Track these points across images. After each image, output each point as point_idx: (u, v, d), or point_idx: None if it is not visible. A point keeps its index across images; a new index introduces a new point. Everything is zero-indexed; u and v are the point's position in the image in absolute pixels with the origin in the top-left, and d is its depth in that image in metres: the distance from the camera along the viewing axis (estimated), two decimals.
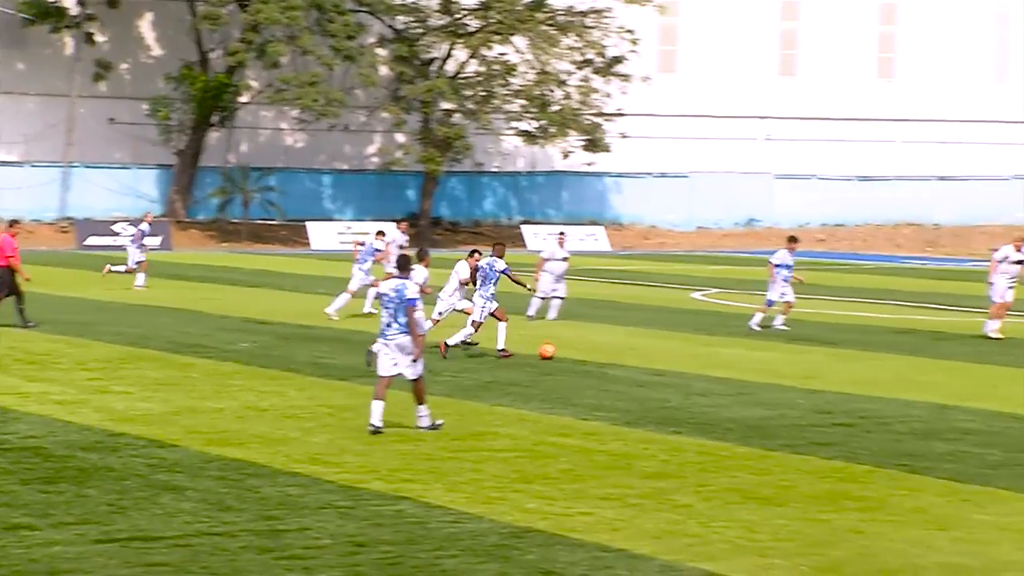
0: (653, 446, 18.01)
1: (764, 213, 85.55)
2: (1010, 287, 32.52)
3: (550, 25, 73.13)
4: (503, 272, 27.61)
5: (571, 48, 73.57)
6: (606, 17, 73.94)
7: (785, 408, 21.24)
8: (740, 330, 32.63)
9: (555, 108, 73.44)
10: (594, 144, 74.07)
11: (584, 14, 73.98)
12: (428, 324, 26.36)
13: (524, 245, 72.52)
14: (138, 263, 41.05)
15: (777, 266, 33.43)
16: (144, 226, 42.73)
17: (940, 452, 17.93)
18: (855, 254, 73.33)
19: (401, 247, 35.92)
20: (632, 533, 13.58)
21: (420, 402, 18.82)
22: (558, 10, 73.89)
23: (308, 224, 72.32)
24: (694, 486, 15.67)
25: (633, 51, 74.11)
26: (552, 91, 73.60)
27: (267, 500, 14.61)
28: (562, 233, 36.91)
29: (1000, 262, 32.61)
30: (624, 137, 74.70)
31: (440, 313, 28.06)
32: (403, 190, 77.88)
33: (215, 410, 20.16)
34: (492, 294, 27.48)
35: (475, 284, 27.61)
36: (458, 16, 73.68)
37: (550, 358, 26.44)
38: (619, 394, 22.40)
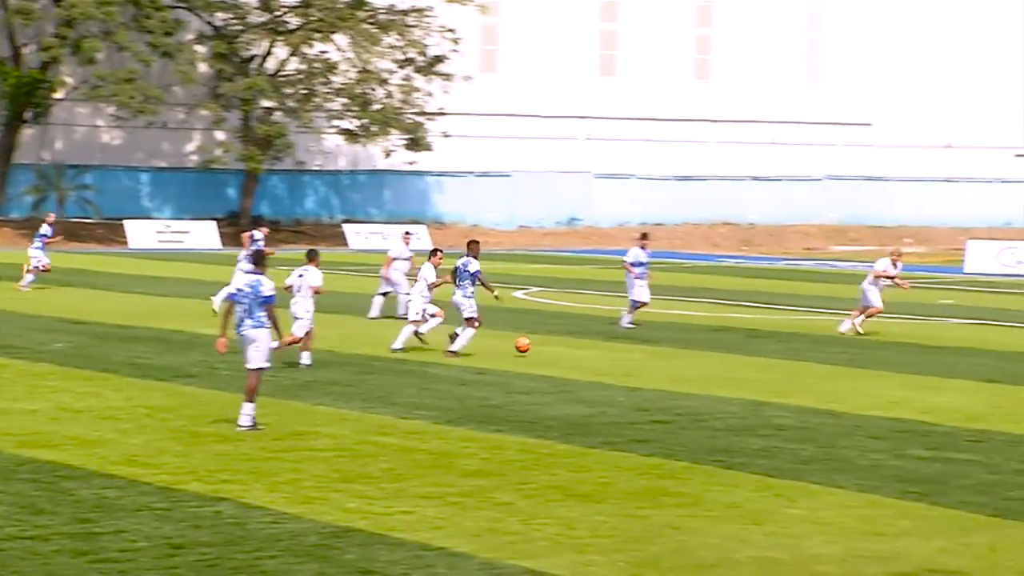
0: (474, 444, 18.07)
1: (584, 212, 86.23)
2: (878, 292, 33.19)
3: (371, 23, 72.94)
4: (474, 275, 27.52)
5: (392, 47, 73.47)
6: (427, 16, 73.96)
7: (605, 406, 21.44)
8: (561, 328, 32.87)
9: (377, 107, 73.28)
10: (416, 143, 74.06)
11: (405, 13, 73.91)
12: (408, 330, 27.59)
13: (346, 244, 72.26)
14: (39, 265, 40.62)
15: (632, 264, 33.87)
16: (44, 227, 42.22)
17: (755, 448, 18.24)
18: (673, 253, 74.17)
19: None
20: (452, 531, 13.62)
21: (249, 399, 18.67)
22: (379, 9, 73.72)
23: (126, 223, 71.18)
24: (515, 484, 15.75)
25: (455, 50, 74.23)
26: (374, 90, 73.43)
27: (82, 503, 14.38)
28: (407, 232, 37.01)
29: (879, 277, 33.12)
30: (446, 136, 74.78)
31: (418, 313, 28.01)
32: (223, 188, 77.11)
33: (27, 412, 19.79)
34: (472, 293, 27.45)
35: (455, 282, 27.56)
36: (278, 13, 73.17)
37: (526, 351, 26.86)
38: (441, 393, 22.44)
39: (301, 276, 25.44)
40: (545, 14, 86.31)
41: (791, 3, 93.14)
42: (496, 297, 28.73)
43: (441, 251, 29.14)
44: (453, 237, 79.59)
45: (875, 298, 32.92)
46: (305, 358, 25.19)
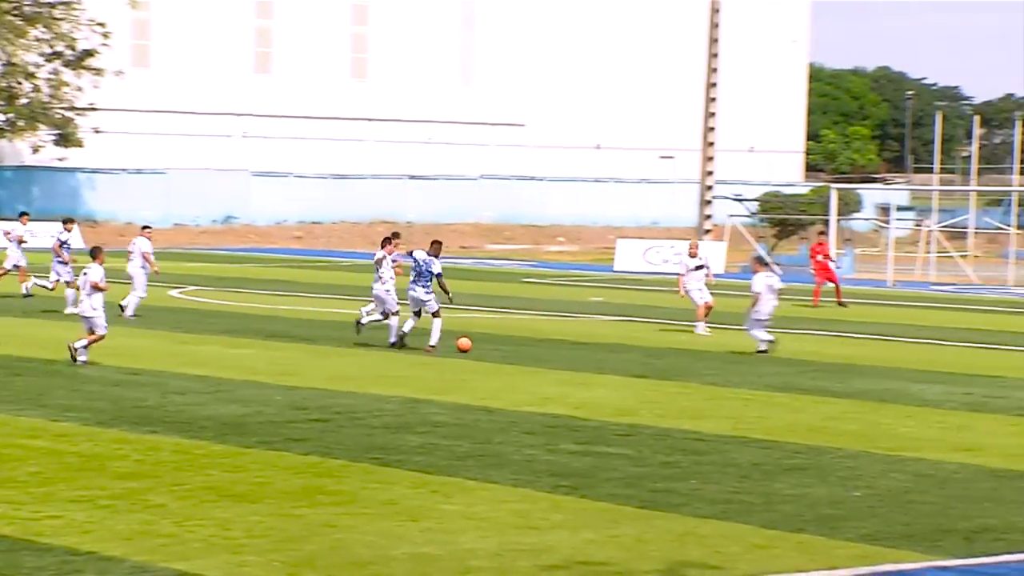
0: (127, 446, 17.73)
1: (241, 210, 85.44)
2: (699, 289, 34.08)
3: (16, 15, 70.79)
4: (437, 275, 28.87)
5: (39, 40, 71.46)
6: (76, 9, 72.19)
7: (261, 405, 21.29)
8: (218, 327, 32.50)
9: (24, 101, 71.19)
10: (66, 139, 72.23)
11: (52, 6, 72.00)
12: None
13: None
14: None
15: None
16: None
17: (411, 445, 18.36)
18: (331, 251, 74.16)
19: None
20: (103, 535, 13.33)
21: None
22: (24, 1, 71.61)
23: None
24: (168, 485, 15.51)
25: (105, 44, 72.63)
26: (20, 83, 71.30)
27: None
28: (146, 227, 37.33)
29: (690, 270, 34.19)
30: (98, 132, 73.13)
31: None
32: None
33: None
34: (431, 288, 28.96)
35: (412, 277, 29.09)
36: None
37: (467, 351, 27.37)
38: (93, 394, 21.93)
39: (85, 274, 25.33)
40: (199, 10, 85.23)
41: (445, 4, 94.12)
42: (450, 299, 29.70)
43: (398, 235, 30.94)
44: (107, 235, 77.89)
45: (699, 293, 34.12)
46: None
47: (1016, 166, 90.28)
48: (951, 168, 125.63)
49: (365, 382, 24.11)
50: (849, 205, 71.52)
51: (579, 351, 29.96)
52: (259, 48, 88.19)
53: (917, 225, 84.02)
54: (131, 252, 35.57)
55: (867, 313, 42.39)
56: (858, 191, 78.90)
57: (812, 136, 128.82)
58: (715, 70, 67.72)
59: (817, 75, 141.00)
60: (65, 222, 37.97)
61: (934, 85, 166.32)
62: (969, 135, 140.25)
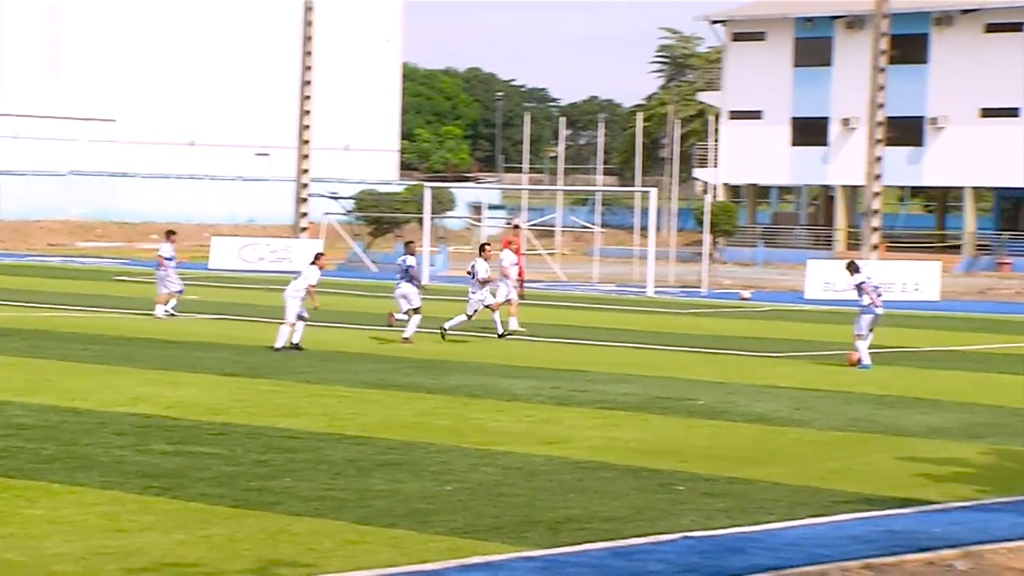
0: None
1: None
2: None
3: None
4: (408, 269, 32.29)
5: None
6: None
7: None
8: None
9: None
10: None
11: None
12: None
13: None
14: None
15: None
16: None
17: None
18: None
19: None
20: None
21: None
22: None
23: None
24: None
25: None
26: None
27: None
28: None
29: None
30: None
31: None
32: None
33: None
34: (418, 284, 32.49)
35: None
36: None
37: None
38: None
39: None
40: None
41: None
42: (420, 286, 32.96)
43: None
44: None
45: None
46: None
47: (600, 166, 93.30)
48: (540, 168, 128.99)
49: None
50: (443, 203, 72.61)
51: (171, 350, 29.53)
52: None
53: (507, 223, 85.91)
54: None
55: (460, 310, 43.09)
56: (451, 189, 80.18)
57: (406, 135, 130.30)
58: (309, 68, 67.73)
59: (411, 75, 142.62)
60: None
61: (523, 87, 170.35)
62: (556, 136, 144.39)
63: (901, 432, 21.08)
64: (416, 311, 32.07)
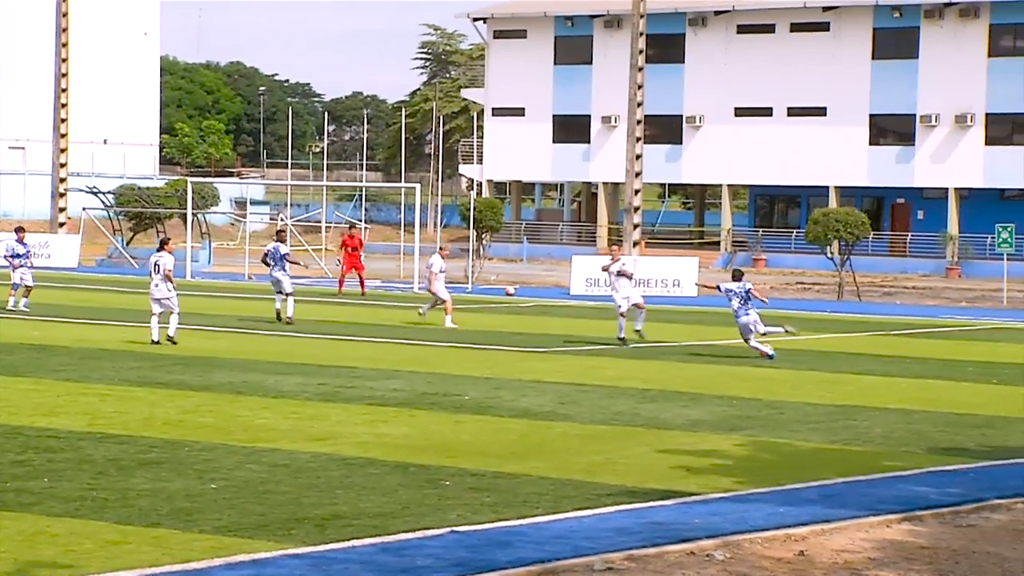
0: None
1: None
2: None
3: None
4: (284, 256, 35.93)
5: None
6: None
7: None
8: None
9: None
10: None
11: None
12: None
13: None
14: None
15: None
16: None
17: None
18: None
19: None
20: None
21: None
22: None
23: None
24: None
25: None
26: None
27: None
28: None
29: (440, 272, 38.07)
30: None
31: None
32: None
33: None
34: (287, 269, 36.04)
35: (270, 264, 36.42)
36: None
37: None
38: None
39: None
40: None
41: None
42: (305, 266, 35.52)
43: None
44: None
45: (440, 290, 37.92)
46: None
47: (364, 162, 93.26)
48: (304, 163, 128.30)
49: None
50: (206, 199, 71.72)
51: None
52: None
53: (272, 219, 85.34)
54: None
55: (225, 306, 42.67)
56: (215, 184, 79.26)
57: (167, 130, 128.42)
58: (65, 60, 66.38)
59: (171, 68, 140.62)
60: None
61: (287, 81, 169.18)
62: (320, 131, 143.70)
63: (662, 425, 21.48)
64: (288, 294, 36.08)
